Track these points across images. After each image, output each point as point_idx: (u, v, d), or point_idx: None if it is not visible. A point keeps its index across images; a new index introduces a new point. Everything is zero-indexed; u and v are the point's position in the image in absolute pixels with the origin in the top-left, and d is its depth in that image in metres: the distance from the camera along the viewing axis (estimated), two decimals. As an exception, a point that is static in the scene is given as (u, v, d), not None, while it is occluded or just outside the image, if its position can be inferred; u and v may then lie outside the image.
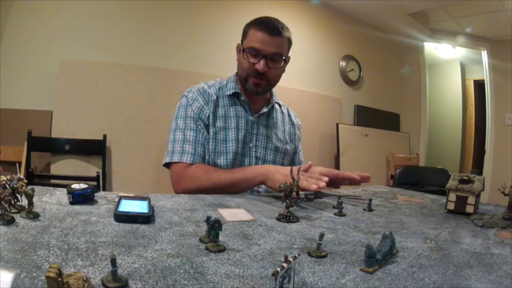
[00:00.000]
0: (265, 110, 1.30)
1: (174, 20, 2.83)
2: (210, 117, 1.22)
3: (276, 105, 1.38)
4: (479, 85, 4.99)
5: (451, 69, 5.30)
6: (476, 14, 3.77)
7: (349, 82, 4.02)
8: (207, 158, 1.21)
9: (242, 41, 1.25)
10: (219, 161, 1.21)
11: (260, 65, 1.17)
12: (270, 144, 1.30)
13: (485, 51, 4.36)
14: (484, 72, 4.43)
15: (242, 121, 1.25)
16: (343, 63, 3.95)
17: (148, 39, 2.73)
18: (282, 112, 1.41)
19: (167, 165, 1.22)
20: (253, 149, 1.27)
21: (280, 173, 1.01)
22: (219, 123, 1.23)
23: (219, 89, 1.28)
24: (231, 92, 1.27)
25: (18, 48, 2.38)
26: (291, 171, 0.80)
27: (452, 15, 3.92)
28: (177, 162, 1.17)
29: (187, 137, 1.19)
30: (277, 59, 1.21)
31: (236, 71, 1.31)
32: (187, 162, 1.16)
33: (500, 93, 4.29)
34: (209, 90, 1.26)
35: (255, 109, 1.30)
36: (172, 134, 1.22)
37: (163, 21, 2.79)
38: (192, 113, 1.21)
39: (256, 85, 1.22)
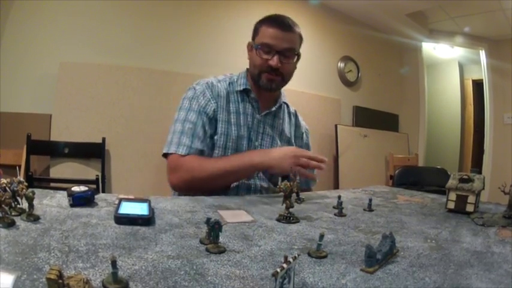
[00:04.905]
0: (273, 109, 1.29)
1: (173, 22, 2.84)
2: (218, 112, 1.21)
3: (284, 105, 1.37)
4: (478, 85, 5.00)
5: (450, 69, 5.32)
6: (474, 14, 3.78)
7: (347, 83, 4.02)
8: (216, 152, 1.19)
9: (253, 38, 1.24)
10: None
11: (274, 61, 1.17)
12: (275, 144, 1.29)
13: (483, 51, 4.37)
14: (482, 72, 4.43)
15: (250, 118, 1.25)
16: (341, 64, 3.95)
17: (148, 41, 2.73)
18: (289, 112, 1.40)
19: (166, 155, 1.19)
20: (259, 148, 1.26)
21: (277, 159, 1.07)
22: (229, 118, 1.22)
23: (229, 84, 1.27)
24: (242, 88, 1.26)
25: (18, 50, 2.38)
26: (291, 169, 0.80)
27: (450, 15, 3.93)
28: (173, 154, 1.15)
29: (186, 129, 1.16)
30: (290, 55, 1.20)
31: (247, 67, 1.31)
32: (182, 153, 1.14)
33: (498, 93, 4.30)
34: (218, 85, 1.25)
35: (262, 107, 1.28)
36: (173, 125, 1.20)
37: (163, 23, 2.79)
38: (197, 106, 1.19)
39: (270, 81, 1.21)
